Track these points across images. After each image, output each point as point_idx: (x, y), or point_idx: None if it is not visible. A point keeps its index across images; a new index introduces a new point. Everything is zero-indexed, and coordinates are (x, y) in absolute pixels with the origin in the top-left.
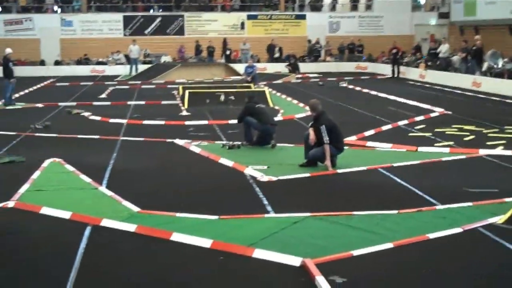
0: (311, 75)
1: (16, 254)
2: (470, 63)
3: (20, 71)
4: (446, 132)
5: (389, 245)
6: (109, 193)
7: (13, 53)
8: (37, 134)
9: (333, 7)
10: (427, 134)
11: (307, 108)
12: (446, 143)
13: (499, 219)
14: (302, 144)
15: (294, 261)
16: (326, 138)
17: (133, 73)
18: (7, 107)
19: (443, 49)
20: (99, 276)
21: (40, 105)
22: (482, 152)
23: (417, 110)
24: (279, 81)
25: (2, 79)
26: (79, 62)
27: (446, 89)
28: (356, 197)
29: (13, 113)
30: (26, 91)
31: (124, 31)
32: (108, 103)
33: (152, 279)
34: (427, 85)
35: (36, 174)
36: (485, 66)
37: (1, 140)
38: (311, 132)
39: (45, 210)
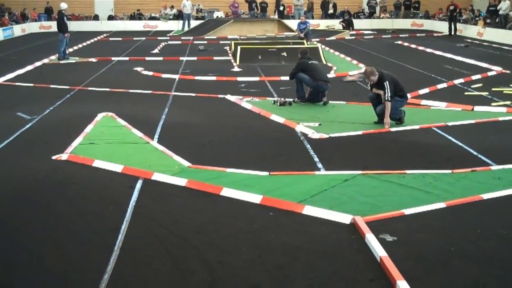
0: (365, 32)
1: (69, 205)
2: None
3: (74, 25)
4: (504, 92)
5: (442, 205)
6: (160, 147)
7: (68, 7)
8: (90, 88)
9: None
10: (483, 93)
11: (360, 65)
12: (503, 103)
13: None
14: (355, 102)
15: (344, 218)
16: (388, 95)
17: (186, 28)
18: (61, 61)
19: (503, 6)
20: (150, 229)
21: (93, 59)
22: None
23: (473, 69)
24: (333, 38)
25: (56, 34)
26: (132, 17)
27: (504, 47)
28: (409, 156)
29: (67, 67)
30: (80, 45)
31: None
32: (160, 58)
33: (201, 232)
34: (485, 43)
35: (89, 128)
36: None
37: (55, 94)
38: (380, 91)
39: (98, 163)
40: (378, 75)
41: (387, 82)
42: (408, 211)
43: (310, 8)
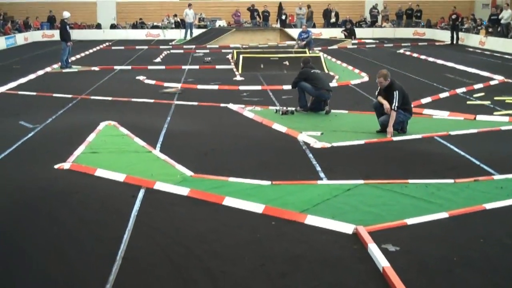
0: (367, 41)
1: (72, 214)
2: None
3: (76, 34)
4: (506, 101)
5: (444, 215)
6: (163, 156)
7: (70, 16)
8: (92, 97)
9: None
10: (486, 103)
11: (363, 74)
12: (506, 112)
13: None
14: (357, 111)
15: (347, 228)
16: (395, 105)
17: (188, 37)
18: (64, 70)
19: (505, 15)
20: (152, 238)
21: (96, 68)
22: None
23: (476, 78)
24: (335, 47)
25: (59, 42)
26: (134, 26)
27: (506, 56)
28: (411, 165)
29: (69, 76)
30: (82, 54)
31: None
32: (163, 67)
33: (204, 241)
34: (487, 52)
35: (91, 137)
36: None
37: (58, 103)
38: (384, 101)
39: (100, 172)
40: (390, 81)
41: (397, 91)
42: (410, 221)
43: (310, 17)
